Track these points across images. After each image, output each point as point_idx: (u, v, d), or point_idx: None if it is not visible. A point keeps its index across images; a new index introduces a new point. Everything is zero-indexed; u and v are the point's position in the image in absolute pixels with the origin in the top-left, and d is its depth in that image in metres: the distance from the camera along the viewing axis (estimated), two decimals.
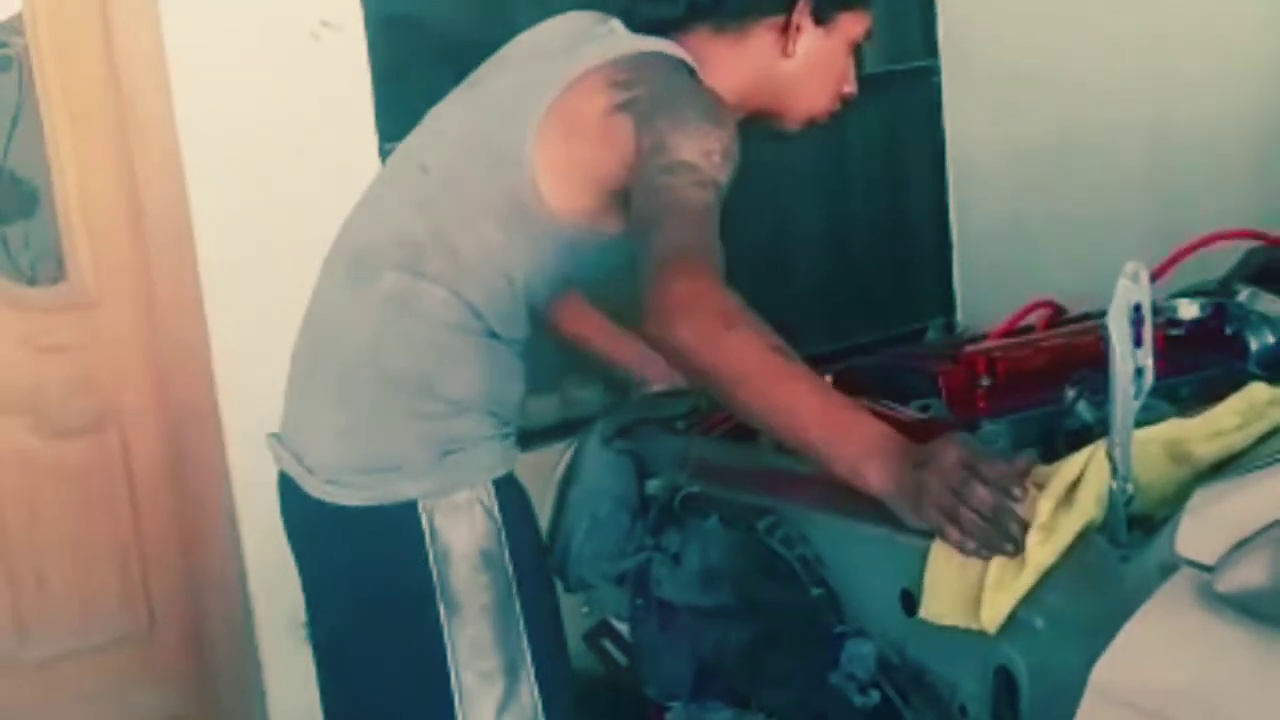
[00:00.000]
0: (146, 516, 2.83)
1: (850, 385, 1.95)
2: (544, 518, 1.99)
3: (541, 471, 2.03)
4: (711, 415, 2.02)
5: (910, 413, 1.88)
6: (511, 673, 1.64)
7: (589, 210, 1.62)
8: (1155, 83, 3.58)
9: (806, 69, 1.72)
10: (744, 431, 2.00)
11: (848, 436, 1.43)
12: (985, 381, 1.90)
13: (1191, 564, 1.24)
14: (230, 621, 2.88)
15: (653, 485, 1.94)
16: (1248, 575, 1.18)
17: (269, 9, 2.72)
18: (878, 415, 1.87)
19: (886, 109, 3.53)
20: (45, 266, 2.88)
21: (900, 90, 3.57)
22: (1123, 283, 1.32)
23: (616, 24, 1.71)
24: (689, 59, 1.67)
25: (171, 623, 2.88)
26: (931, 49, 3.61)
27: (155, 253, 2.77)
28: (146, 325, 2.80)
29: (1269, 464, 1.30)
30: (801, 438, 1.44)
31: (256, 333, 2.76)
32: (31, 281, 2.85)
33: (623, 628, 2.08)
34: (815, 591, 1.67)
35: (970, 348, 2.02)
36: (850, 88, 1.76)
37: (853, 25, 1.73)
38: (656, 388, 2.07)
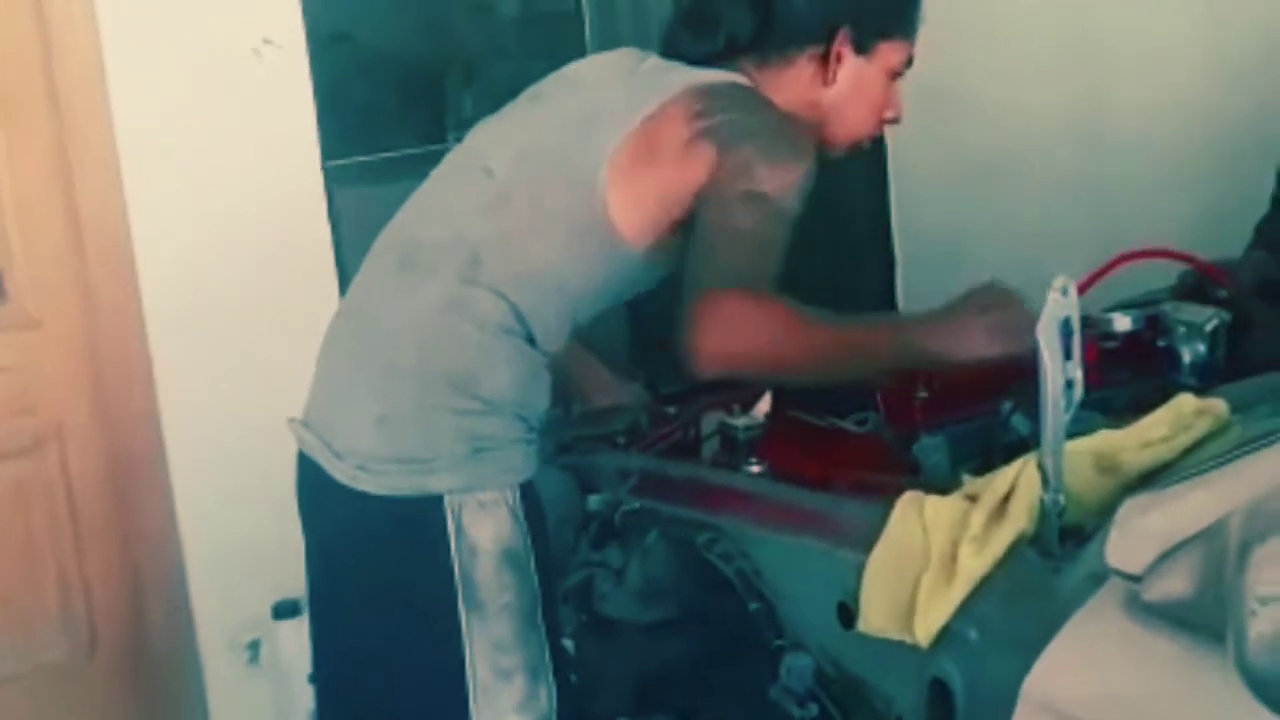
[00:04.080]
0: (87, 538, 2.79)
1: (788, 400, 1.97)
2: None
3: None
4: (651, 431, 2.02)
5: (848, 426, 1.89)
6: (532, 674, 1.66)
7: (654, 234, 1.65)
8: (1090, 96, 3.63)
9: (848, 97, 1.74)
10: (683, 447, 2.01)
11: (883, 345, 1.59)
12: (923, 394, 1.92)
13: (1120, 574, 1.25)
14: (173, 643, 2.84)
15: (594, 501, 1.94)
16: (1173, 585, 1.19)
17: (210, 26, 2.70)
18: (812, 431, 1.89)
19: None
20: None
21: None
22: (1052, 296, 1.34)
23: (656, 59, 1.74)
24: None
25: (113, 645, 2.84)
26: None
27: (96, 272, 2.74)
28: (88, 345, 2.77)
29: (1195, 474, 1.31)
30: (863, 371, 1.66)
31: (199, 351, 2.75)
32: None
33: (568, 644, 2.08)
34: (753, 605, 1.67)
35: None
36: (892, 113, 1.78)
37: (892, 54, 1.75)
38: (598, 403, 2.07)
